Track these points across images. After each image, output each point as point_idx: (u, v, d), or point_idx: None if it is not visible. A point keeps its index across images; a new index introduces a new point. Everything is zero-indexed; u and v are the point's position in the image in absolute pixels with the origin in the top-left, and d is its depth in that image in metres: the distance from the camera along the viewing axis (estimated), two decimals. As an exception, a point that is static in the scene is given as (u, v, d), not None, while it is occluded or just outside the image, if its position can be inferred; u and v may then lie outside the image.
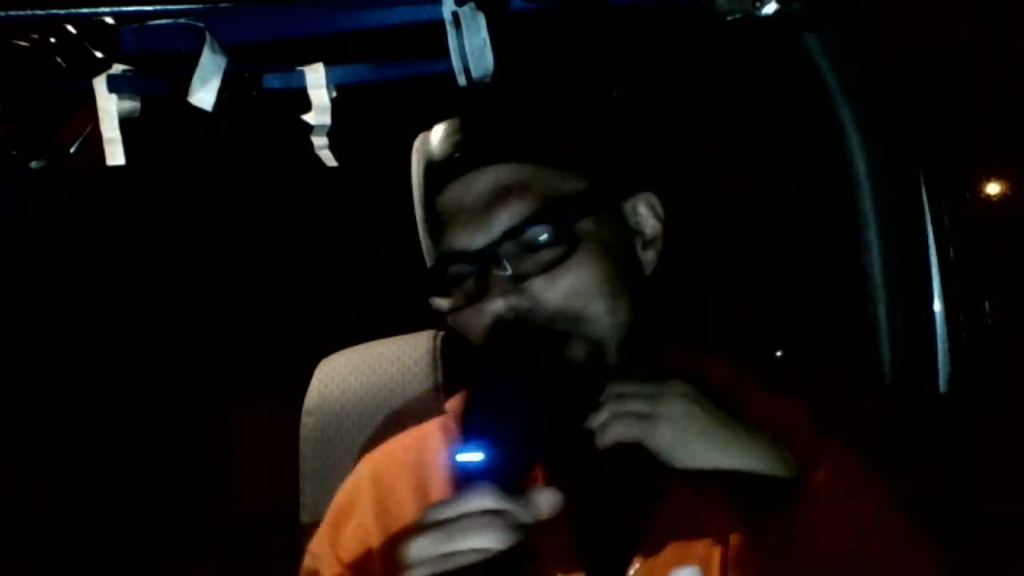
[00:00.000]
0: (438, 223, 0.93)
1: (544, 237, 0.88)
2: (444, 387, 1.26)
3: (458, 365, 1.29)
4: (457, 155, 0.92)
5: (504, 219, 0.88)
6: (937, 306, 1.31)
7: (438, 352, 1.29)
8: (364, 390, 1.26)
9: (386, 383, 1.27)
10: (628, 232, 0.95)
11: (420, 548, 0.72)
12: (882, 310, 1.30)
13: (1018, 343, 1.42)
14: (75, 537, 2.41)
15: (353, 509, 0.99)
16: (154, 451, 2.76)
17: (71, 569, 2.34)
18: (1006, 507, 1.16)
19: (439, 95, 1.04)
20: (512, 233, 0.88)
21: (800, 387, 1.00)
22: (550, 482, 0.79)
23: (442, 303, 0.94)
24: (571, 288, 0.88)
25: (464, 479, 0.75)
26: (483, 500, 0.72)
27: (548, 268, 0.88)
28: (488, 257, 0.88)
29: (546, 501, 0.74)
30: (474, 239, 0.89)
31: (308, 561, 0.99)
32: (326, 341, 1.36)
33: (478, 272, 0.89)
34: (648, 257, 0.96)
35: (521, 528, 0.72)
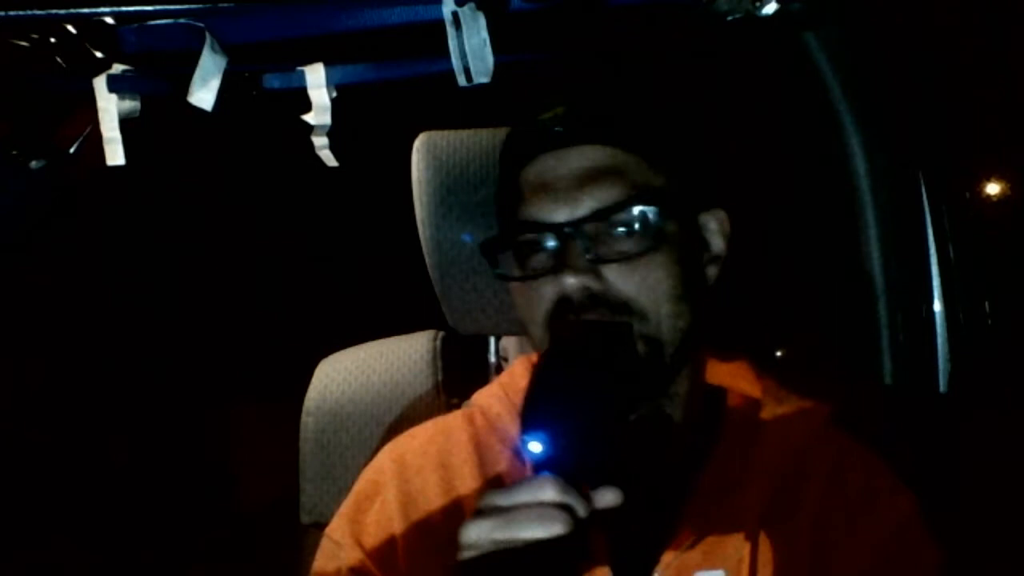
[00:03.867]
0: (522, 190, 0.92)
1: (630, 226, 0.87)
2: (444, 387, 1.27)
3: (458, 365, 1.29)
4: (557, 128, 0.90)
5: (594, 199, 0.87)
6: (937, 306, 1.31)
7: (438, 352, 1.29)
8: (364, 390, 1.26)
9: (386, 383, 1.27)
10: (699, 244, 0.95)
11: (478, 533, 0.72)
12: (882, 310, 1.30)
13: (1018, 343, 1.42)
14: (75, 537, 2.41)
15: (376, 496, 0.98)
16: (154, 451, 2.76)
17: (71, 568, 2.34)
18: (1006, 507, 1.16)
19: (448, 90, 1.02)
20: (600, 214, 0.87)
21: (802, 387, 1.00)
22: (596, 476, 0.78)
23: (507, 269, 0.93)
24: (645, 283, 0.87)
25: (526, 468, 0.74)
26: (545, 491, 0.72)
27: (628, 257, 0.87)
28: (571, 233, 0.86)
29: (607, 498, 0.74)
30: (560, 212, 0.87)
31: (326, 547, 0.98)
32: (326, 341, 1.36)
33: (557, 246, 0.88)
34: (711, 272, 0.96)
35: (580, 522, 0.72)
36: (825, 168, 1.35)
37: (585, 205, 0.87)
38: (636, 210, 0.87)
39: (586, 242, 0.86)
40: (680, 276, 0.89)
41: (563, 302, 0.87)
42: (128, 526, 2.53)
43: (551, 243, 0.88)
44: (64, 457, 2.50)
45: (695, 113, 0.99)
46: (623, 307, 0.87)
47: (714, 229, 0.96)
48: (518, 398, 0.98)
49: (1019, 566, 1.10)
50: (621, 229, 0.87)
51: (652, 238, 0.87)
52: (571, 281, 0.86)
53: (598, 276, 0.87)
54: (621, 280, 0.87)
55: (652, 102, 0.94)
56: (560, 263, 0.87)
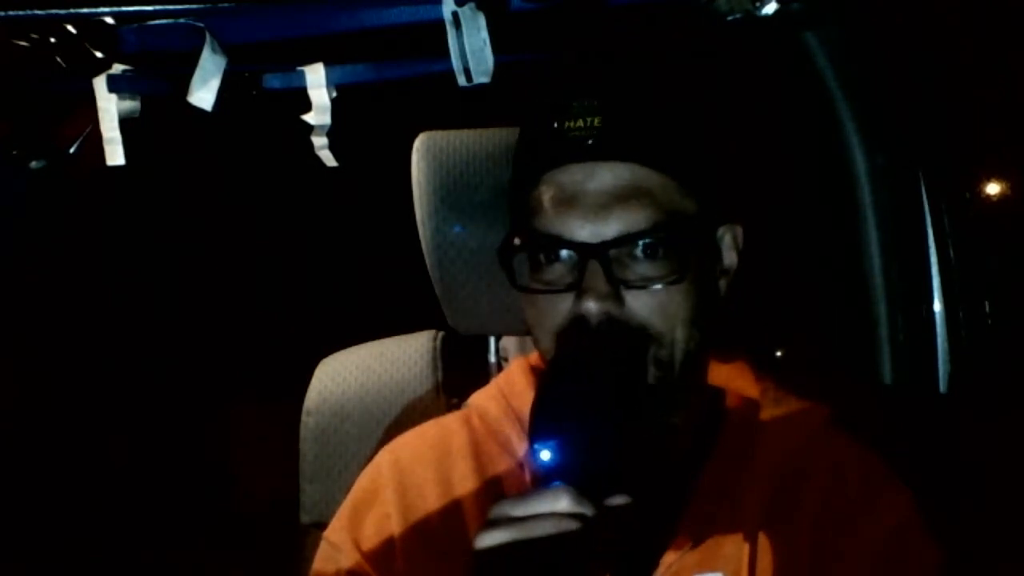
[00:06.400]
0: (543, 198, 0.88)
1: (655, 252, 0.85)
2: (444, 387, 1.27)
3: (458, 365, 1.29)
4: (591, 141, 0.86)
5: (622, 221, 0.85)
6: (937, 306, 1.31)
7: (438, 352, 1.29)
8: (364, 390, 1.26)
9: (386, 383, 1.27)
10: (715, 260, 0.94)
11: (494, 542, 0.71)
12: (882, 310, 1.30)
13: (1018, 343, 1.42)
14: (74, 537, 2.41)
15: (374, 499, 0.98)
16: (154, 451, 2.76)
17: (70, 568, 2.34)
18: (1006, 507, 1.16)
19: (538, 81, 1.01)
20: (627, 238, 0.85)
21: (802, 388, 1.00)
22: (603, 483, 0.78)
23: (520, 278, 0.91)
24: (663, 310, 0.86)
25: (523, 471, 0.74)
26: (560, 501, 0.72)
27: (650, 284, 0.85)
28: (597, 255, 0.85)
29: (616, 504, 0.74)
30: (585, 231, 0.85)
31: (325, 550, 0.98)
32: (326, 341, 1.36)
33: (579, 266, 0.85)
34: (722, 286, 0.95)
35: (593, 531, 0.72)
36: (825, 168, 1.35)
37: (612, 227, 0.85)
38: (663, 236, 0.85)
39: (609, 265, 0.85)
40: (696, 301, 0.88)
41: (579, 321, 0.86)
42: (128, 526, 2.53)
43: (572, 260, 0.87)
44: (64, 457, 2.50)
45: (725, 130, 0.97)
46: (639, 333, 0.86)
47: (729, 243, 0.95)
48: (516, 401, 0.98)
49: (1019, 566, 1.10)
50: (645, 254, 0.85)
51: (676, 265, 0.86)
52: (591, 305, 0.84)
53: (618, 301, 0.85)
54: (641, 306, 0.86)
55: (689, 124, 0.91)
56: (581, 284, 0.85)
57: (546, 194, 0.88)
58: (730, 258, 0.95)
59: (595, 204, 0.86)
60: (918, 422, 1.20)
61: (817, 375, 1.15)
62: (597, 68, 0.94)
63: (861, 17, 1.25)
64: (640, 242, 0.85)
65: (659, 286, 0.86)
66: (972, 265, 1.34)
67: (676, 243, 0.86)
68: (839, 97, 1.27)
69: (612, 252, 0.85)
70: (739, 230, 0.95)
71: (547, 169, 0.89)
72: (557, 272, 0.88)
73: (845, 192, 1.31)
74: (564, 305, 0.87)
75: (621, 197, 0.85)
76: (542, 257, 0.88)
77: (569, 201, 0.87)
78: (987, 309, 1.37)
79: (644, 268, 0.86)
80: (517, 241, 0.91)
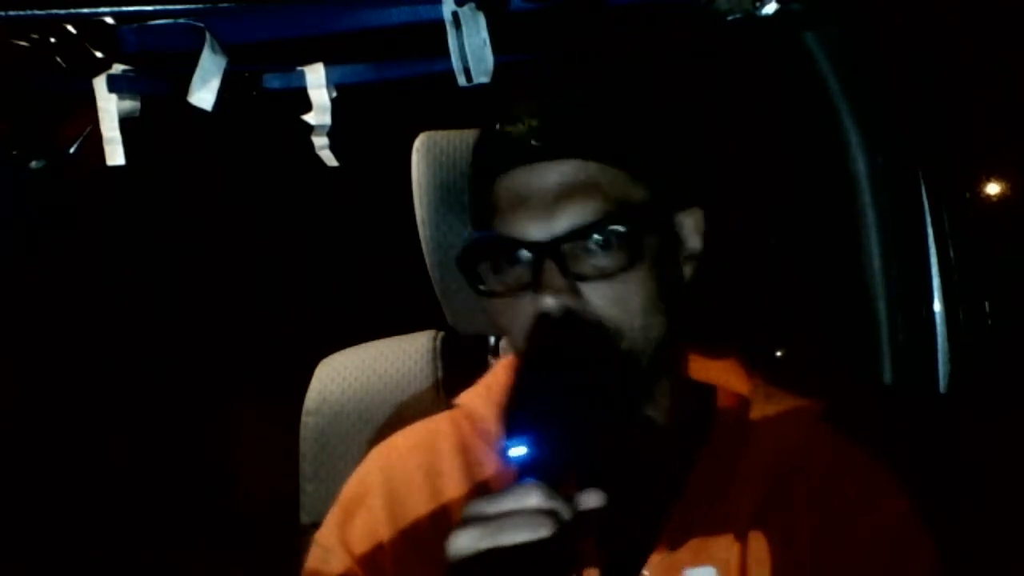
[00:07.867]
0: (497, 203, 0.90)
1: (608, 243, 0.86)
2: (444, 387, 1.27)
3: (458, 365, 1.29)
4: (533, 141, 0.88)
5: (571, 216, 0.86)
6: (937, 306, 1.31)
7: (438, 352, 1.29)
8: (364, 390, 1.26)
9: (386, 383, 1.27)
10: (675, 246, 0.94)
11: (467, 542, 0.72)
12: (882, 310, 1.30)
13: (1018, 343, 1.42)
14: (74, 537, 2.41)
15: (363, 501, 0.98)
16: (154, 451, 2.76)
17: (70, 568, 2.34)
18: (1006, 507, 1.16)
19: (486, 88, 1.02)
20: (579, 232, 0.86)
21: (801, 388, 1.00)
22: (581, 479, 0.78)
23: (482, 284, 0.92)
24: (621, 299, 0.87)
25: (510, 473, 0.75)
26: (531, 498, 0.72)
27: (606, 275, 0.86)
28: (549, 251, 0.86)
29: (591, 500, 0.74)
30: (537, 230, 0.87)
31: (316, 552, 0.99)
32: (326, 341, 1.36)
33: (535, 264, 0.87)
34: (687, 272, 0.95)
35: (566, 526, 0.72)
36: (825, 168, 1.35)
37: (561, 223, 0.86)
38: (613, 227, 0.86)
39: (563, 260, 0.86)
40: (655, 288, 0.89)
41: (542, 318, 0.87)
42: (128, 526, 2.52)
43: (528, 260, 0.88)
44: (64, 457, 2.50)
45: (678, 114, 0.98)
46: (599, 323, 0.87)
47: (690, 228, 0.95)
48: (502, 399, 0.98)
49: (1019, 566, 1.10)
50: (598, 246, 0.86)
51: (629, 253, 0.87)
52: (549, 301, 0.85)
53: (576, 293, 0.86)
54: (599, 298, 0.87)
55: (633, 113, 0.92)
56: (538, 281, 0.86)
57: (498, 198, 0.90)
58: (693, 243, 0.95)
59: (543, 202, 0.87)
60: (918, 422, 1.20)
61: (816, 375, 1.15)
62: (537, 72, 0.95)
63: (861, 17, 1.25)
64: (592, 234, 0.86)
65: (615, 276, 0.86)
66: (972, 265, 1.34)
67: (628, 232, 0.87)
68: (839, 97, 1.27)
69: (565, 247, 0.86)
70: (699, 214, 0.96)
71: (496, 174, 0.90)
72: (516, 273, 0.89)
73: (845, 192, 1.31)
74: (527, 305, 0.88)
75: (568, 193, 0.87)
76: (502, 260, 0.89)
77: (519, 202, 0.88)
78: (987, 309, 1.37)
79: (598, 260, 0.87)
80: (475, 247, 0.92)
